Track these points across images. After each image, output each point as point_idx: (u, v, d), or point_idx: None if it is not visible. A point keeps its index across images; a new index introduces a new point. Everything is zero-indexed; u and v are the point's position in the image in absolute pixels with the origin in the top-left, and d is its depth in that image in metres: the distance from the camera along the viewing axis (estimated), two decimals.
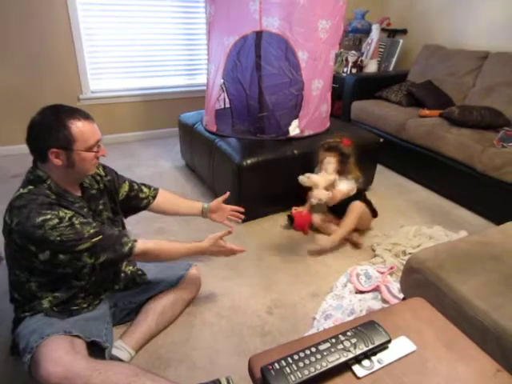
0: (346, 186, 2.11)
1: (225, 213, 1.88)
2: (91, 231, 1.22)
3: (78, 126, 1.21)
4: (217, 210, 1.85)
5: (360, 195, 2.26)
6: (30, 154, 1.26)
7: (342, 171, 2.13)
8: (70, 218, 1.20)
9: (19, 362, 1.21)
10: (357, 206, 2.18)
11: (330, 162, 2.10)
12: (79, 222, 1.22)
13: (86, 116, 1.25)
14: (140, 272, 1.63)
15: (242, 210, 1.91)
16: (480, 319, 1.12)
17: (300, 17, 2.20)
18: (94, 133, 1.27)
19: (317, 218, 2.32)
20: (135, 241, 1.32)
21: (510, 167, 2.31)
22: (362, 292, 1.83)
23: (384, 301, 1.74)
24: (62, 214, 1.19)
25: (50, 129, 1.19)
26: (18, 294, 1.31)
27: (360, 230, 2.30)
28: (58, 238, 1.15)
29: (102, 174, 1.50)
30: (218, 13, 2.37)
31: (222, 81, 2.72)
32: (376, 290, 1.81)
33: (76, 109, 1.26)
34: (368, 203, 2.29)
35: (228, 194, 1.86)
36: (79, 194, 1.36)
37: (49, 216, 1.15)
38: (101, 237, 1.23)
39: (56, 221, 1.16)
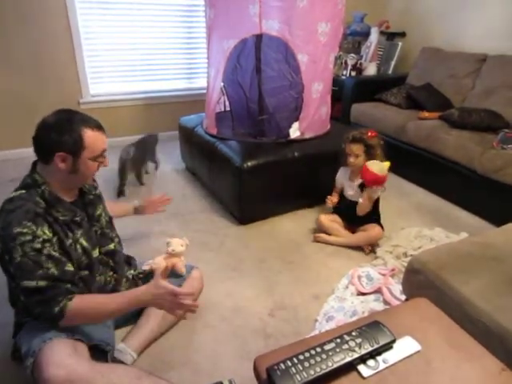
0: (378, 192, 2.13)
1: (155, 204, 2.02)
2: (50, 271, 1.14)
3: (89, 135, 1.23)
4: (149, 205, 1.99)
5: (377, 213, 2.28)
6: (34, 154, 1.25)
7: None
8: (44, 242, 1.15)
9: (21, 367, 1.20)
10: (375, 232, 2.19)
11: (358, 155, 2.12)
12: (48, 252, 1.16)
13: (98, 126, 1.27)
14: (141, 275, 1.63)
15: (167, 197, 2.06)
16: (483, 320, 1.12)
17: (300, 20, 2.21)
18: (103, 143, 1.29)
19: (326, 220, 2.30)
20: (70, 299, 1.16)
21: (510, 169, 2.31)
22: (363, 294, 1.82)
23: (386, 302, 1.74)
24: (39, 232, 1.15)
25: (62, 132, 1.19)
26: (16, 299, 1.30)
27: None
28: (19, 259, 1.11)
29: (96, 185, 1.52)
30: (218, 16, 2.38)
31: (222, 84, 2.73)
32: (378, 291, 1.81)
33: (89, 117, 1.27)
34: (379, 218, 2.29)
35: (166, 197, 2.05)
36: (73, 199, 1.35)
37: (25, 230, 1.12)
38: (46, 283, 1.13)
39: (29, 238, 1.12)
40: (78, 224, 1.32)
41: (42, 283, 1.13)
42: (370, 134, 2.12)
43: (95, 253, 1.38)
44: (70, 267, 1.22)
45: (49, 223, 1.20)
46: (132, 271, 1.62)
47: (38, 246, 1.14)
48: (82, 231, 1.33)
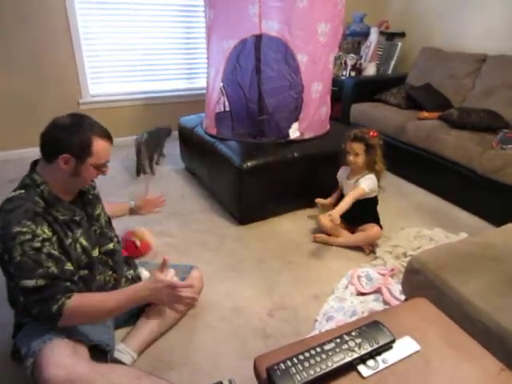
0: (366, 185, 2.12)
1: (150, 204, 1.92)
2: (49, 270, 1.13)
3: (99, 143, 1.25)
4: (145, 205, 1.90)
5: (376, 213, 2.29)
6: (39, 150, 1.24)
7: (368, 163, 2.15)
8: (43, 241, 1.15)
9: (21, 367, 1.20)
10: (374, 232, 2.19)
11: (358, 154, 2.13)
12: (48, 251, 1.15)
13: (108, 136, 1.29)
14: (141, 276, 1.63)
15: (163, 199, 1.95)
16: (482, 320, 1.12)
17: (299, 20, 2.21)
18: (108, 153, 1.31)
19: (326, 220, 2.28)
20: (69, 297, 1.14)
21: (509, 169, 2.32)
22: (363, 294, 1.83)
23: (385, 302, 1.74)
24: (39, 231, 1.15)
25: (73, 134, 1.21)
26: (15, 299, 1.30)
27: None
28: (19, 258, 1.11)
29: (94, 185, 1.53)
30: (218, 17, 2.38)
31: (222, 84, 2.73)
32: (377, 291, 1.81)
33: (102, 125, 1.29)
34: (378, 219, 2.29)
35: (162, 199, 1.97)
36: (73, 199, 1.35)
37: (25, 229, 1.12)
38: (45, 282, 1.12)
39: (28, 236, 1.12)
40: (77, 223, 1.32)
41: (41, 282, 1.12)
42: (371, 133, 2.13)
43: (95, 252, 1.38)
44: (69, 266, 1.22)
45: (48, 222, 1.20)
46: (131, 271, 1.62)
47: (38, 244, 1.14)
48: (82, 230, 1.33)
